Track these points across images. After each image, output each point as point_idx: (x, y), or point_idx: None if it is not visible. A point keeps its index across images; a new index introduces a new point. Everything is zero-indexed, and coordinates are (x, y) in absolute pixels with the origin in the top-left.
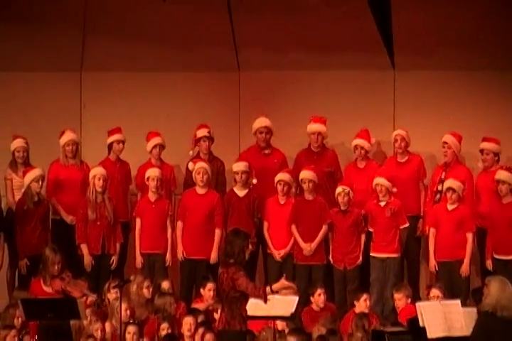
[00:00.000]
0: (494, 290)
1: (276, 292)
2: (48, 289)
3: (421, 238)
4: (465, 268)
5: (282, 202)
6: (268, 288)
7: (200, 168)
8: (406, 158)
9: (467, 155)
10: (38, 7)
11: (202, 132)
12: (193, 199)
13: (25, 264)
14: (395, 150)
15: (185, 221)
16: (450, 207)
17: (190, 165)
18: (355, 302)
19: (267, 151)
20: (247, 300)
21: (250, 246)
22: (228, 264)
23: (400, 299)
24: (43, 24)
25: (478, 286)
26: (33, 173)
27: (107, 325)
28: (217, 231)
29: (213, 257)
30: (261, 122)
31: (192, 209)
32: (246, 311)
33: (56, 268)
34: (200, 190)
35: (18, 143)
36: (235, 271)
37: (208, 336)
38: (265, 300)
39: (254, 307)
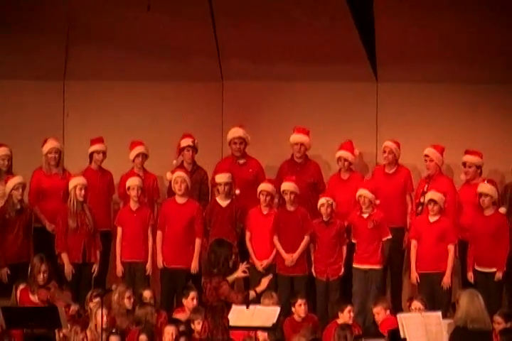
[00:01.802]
0: (463, 303)
1: (261, 294)
2: (34, 298)
3: (404, 250)
4: (446, 280)
5: (265, 213)
6: (252, 292)
7: (177, 177)
8: (394, 169)
9: (453, 166)
10: (22, 15)
11: (186, 141)
12: (173, 208)
13: (5, 273)
14: (381, 161)
15: (164, 230)
16: (432, 219)
17: (168, 175)
18: (339, 313)
19: (241, 161)
20: (229, 310)
21: (234, 257)
22: (212, 274)
23: (379, 312)
24: (27, 32)
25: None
26: (13, 181)
27: (88, 333)
28: (197, 241)
29: (194, 266)
30: (234, 132)
31: (172, 219)
32: (228, 321)
33: (42, 277)
34: (179, 200)
35: (2, 151)
36: (218, 281)
37: None
38: (247, 305)
39: (236, 317)
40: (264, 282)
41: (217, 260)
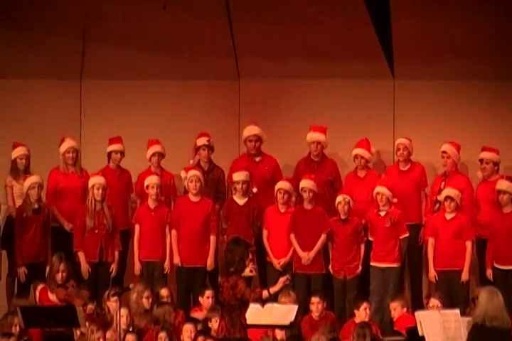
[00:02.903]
0: (482, 300)
1: (276, 294)
2: (52, 297)
3: (422, 247)
4: (464, 276)
5: (282, 211)
6: (265, 291)
7: (192, 176)
8: (408, 166)
9: (468, 164)
10: (38, 15)
11: (201, 141)
12: (187, 207)
13: (23, 272)
14: (396, 158)
15: (179, 229)
16: (448, 216)
17: (183, 173)
18: (355, 311)
19: (257, 159)
20: (246, 308)
21: (250, 255)
22: (228, 273)
23: (395, 309)
24: (43, 32)
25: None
26: (29, 181)
27: (108, 333)
28: (213, 238)
29: (209, 263)
30: (250, 130)
31: (187, 217)
32: (245, 319)
33: (61, 276)
34: (193, 198)
35: (21, 151)
36: (235, 280)
37: None
38: (262, 303)
39: (253, 315)
40: (280, 283)
41: (233, 259)
